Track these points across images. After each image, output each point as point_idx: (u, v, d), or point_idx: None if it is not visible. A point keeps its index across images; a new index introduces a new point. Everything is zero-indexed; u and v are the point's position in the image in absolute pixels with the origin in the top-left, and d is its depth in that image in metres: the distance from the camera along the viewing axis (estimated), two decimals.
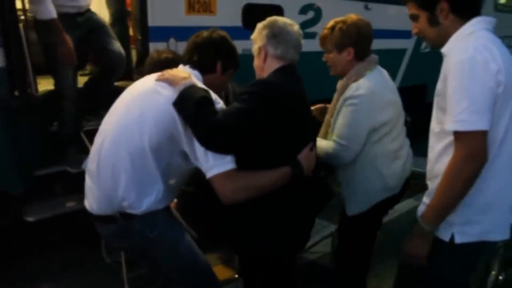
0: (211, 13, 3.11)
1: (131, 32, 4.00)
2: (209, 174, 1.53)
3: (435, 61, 5.90)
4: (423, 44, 5.16)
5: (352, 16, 1.96)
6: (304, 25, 3.66)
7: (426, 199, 1.55)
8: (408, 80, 5.14)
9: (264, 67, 1.76)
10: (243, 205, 1.57)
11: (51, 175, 2.84)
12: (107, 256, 2.62)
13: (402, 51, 5.01)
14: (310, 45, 3.70)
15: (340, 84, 2.01)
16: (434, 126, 1.54)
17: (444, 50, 1.48)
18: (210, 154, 1.52)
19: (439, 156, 1.49)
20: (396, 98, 2.04)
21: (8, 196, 2.70)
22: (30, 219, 2.64)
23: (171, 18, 2.92)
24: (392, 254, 2.97)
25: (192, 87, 1.56)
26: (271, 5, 3.40)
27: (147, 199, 1.58)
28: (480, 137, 1.35)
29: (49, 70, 2.85)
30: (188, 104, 1.50)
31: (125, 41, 3.93)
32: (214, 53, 1.74)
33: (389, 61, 4.85)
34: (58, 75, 2.78)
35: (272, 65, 1.74)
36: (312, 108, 2.14)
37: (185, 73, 1.65)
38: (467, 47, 1.36)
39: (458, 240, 1.47)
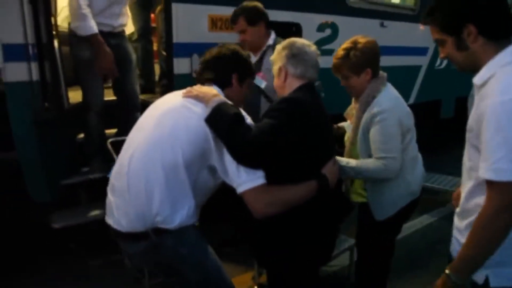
0: (233, 30, 3.21)
1: (154, 47, 4.15)
2: (241, 189, 1.58)
3: (449, 77, 5.97)
4: (438, 61, 5.22)
5: (358, 38, 2.04)
6: (321, 42, 3.75)
7: (457, 236, 1.48)
8: (423, 96, 5.19)
9: (285, 86, 1.85)
10: (269, 218, 1.62)
11: (76, 185, 2.94)
12: (129, 262, 2.68)
13: (417, 68, 5.07)
14: (327, 62, 3.80)
15: (359, 101, 2.07)
16: (465, 161, 1.45)
17: (477, 80, 1.35)
18: (242, 169, 1.57)
19: (470, 195, 1.41)
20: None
21: (33, 203, 2.80)
22: (56, 226, 2.72)
23: (195, 35, 3.03)
24: (408, 269, 3.02)
25: (224, 103, 1.62)
26: (290, 23, 3.50)
27: (180, 214, 1.60)
28: None
29: (78, 83, 2.96)
30: (222, 120, 1.56)
31: (149, 56, 4.08)
32: (227, 67, 1.80)
33: (404, 77, 4.94)
34: (86, 87, 2.88)
35: (293, 84, 1.84)
36: None
37: (214, 90, 1.72)
38: (505, 87, 1.23)
39: (493, 283, 1.36)
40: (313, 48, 1.89)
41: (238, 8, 2.70)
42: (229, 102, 1.69)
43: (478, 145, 1.31)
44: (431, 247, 3.39)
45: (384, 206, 2.09)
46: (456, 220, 1.52)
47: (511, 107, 1.20)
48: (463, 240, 1.42)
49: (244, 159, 1.57)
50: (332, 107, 2.79)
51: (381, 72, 2.10)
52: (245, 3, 2.72)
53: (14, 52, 2.44)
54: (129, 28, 3.98)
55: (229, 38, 3.12)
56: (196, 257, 1.68)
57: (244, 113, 1.68)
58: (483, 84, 1.31)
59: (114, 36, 2.90)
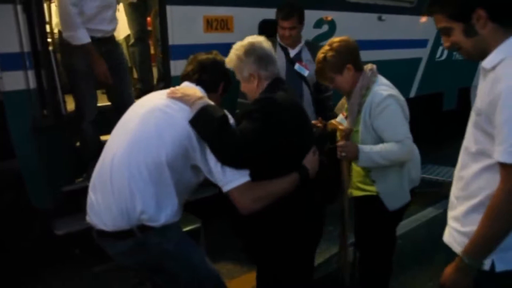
0: (228, 30, 3.21)
1: (152, 51, 4.15)
2: (227, 187, 1.64)
3: (450, 69, 5.92)
4: (438, 53, 5.18)
5: (334, 40, 2.13)
6: (319, 38, 3.73)
7: (455, 224, 1.47)
8: (424, 89, 5.15)
9: (258, 89, 1.87)
10: (257, 212, 1.67)
11: (78, 191, 2.94)
12: (134, 277, 2.69)
13: (417, 60, 5.04)
14: None
15: (352, 95, 2.10)
16: (469, 145, 1.42)
17: (487, 64, 1.33)
18: (227, 169, 1.63)
19: (476, 177, 1.39)
20: None
21: (35, 211, 2.81)
22: (59, 232, 2.73)
23: (190, 37, 3.03)
24: (413, 262, 3.00)
25: (209, 106, 1.65)
26: None
27: (164, 211, 1.63)
28: None
29: (71, 91, 2.95)
30: (207, 124, 1.61)
31: (147, 59, 4.08)
32: (220, 74, 1.87)
33: (405, 70, 4.90)
34: (80, 96, 2.87)
35: (264, 84, 1.87)
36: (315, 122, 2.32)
37: (198, 92, 1.74)
38: None
39: (499, 268, 1.36)
40: (267, 42, 1.90)
41: (290, 6, 2.91)
42: (213, 103, 1.71)
43: (488, 129, 1.30)
44: (436, 240, 3.33)
45: (399, 195, 2.13)
46: (451, 209, 1.52)
47: None
48: (462, 228, 1.43)
49: (231, 161, 1.63)
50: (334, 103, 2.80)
51: (370, 64, 2.14)
52: (292, 1, 2.95)
53: (10, 61, 2.45)
54: (124, 31, 3.99)
55: (225, 39, 3.12)
56: (181, 253, 1.71)
57: (228, 114, 1.71)
58: (493, 68, 1.29)
59: (106, 42, 2.89)
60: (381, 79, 2.12)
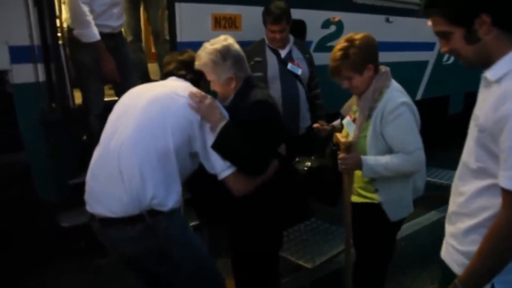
0: (236, 29, 3.22)
1: (153, 50, 4.15)
2: (224, 174, 1.80)
3: (457, 72, 5.89)
4: (446, 56, 5.16)
5: (353, 35, 1.96)
6: (326, 39, 3.74)
7: (453, 242, 1.40)
8: (431, 92, 5.14)
9: (234, 90, 1.96)
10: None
11: (83, 184, 2.96)
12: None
13: (424, 63, 5.03)
14: None
15: (363, 98, 2.00)
16: (470, 160, 1.32)
17: (492, 76, 1.22)
18: (218, 158, 1.79)
19: (477, 196, 1.31)
20: None
21: (42, 203, 2.84)
22: (65, 225, 2.76)
23: (198, 34, 3.04)
24: (415, 266, 3.00)
25: (229, 125, 1.80)
26: (293, 20, 3.49)
27: (171, 196, 1.70)
28: None
29: (79, 85, 2.99)
30: (232, 143, 1.79)
31: (144, 56, 4.12)
32: (199, 71, 1.95)
33: (411, 73, 4.89)
34: (87, 91, 2.89)
35: (239, 84, 1.96)
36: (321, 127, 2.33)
37: (219, 109, 1.83)
38: None
39: None
40: (235, 42, 1.98)
41: (279, 9, 2.91)
42: (228, 119, 1.84)
43: (492, 148, 1.22)
44: (439, 243, 3.33)
45: (402, 206, 2.05)
46: (450, 224, 1.45)
47: None
48: (461, 247, 1.37)
49: (255, 171, 1.87)
50: (337, 105, 2.79)
51: (384, 67, 2.03)
52: (278, 4, 2.94)
53: (20, 54, 2.48)
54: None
55: (233, 37, 3.13)
56: (185, 237, 1.78)
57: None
58: (498, 81, 1.20)
59: (113, 38, 2.91)
60: (394, 84, 2.01)
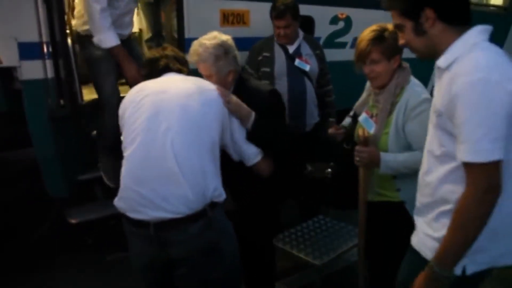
0: (245, 25, 3.21)
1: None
2: (256, 160, 1.99)
3: None
4: None
5: (383, 24, 1.91)
6: (334, 35, 3.72)
7: (427, 230, 1.42)
8: None
9: (232, 82, 2.07)
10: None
11: (93, 180, 2.98)
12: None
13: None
14: (341, 55, 3.77)
15: (385, 92, 1.94)
16: (433, 148, 1.38)
17: (442, 63, 1.30)
18: (251, 145, 1.97)
19: (444, 181, 1.35)
20: None
21: (50, 199, 2.86)
22: (73, 221, 2.77)
23: (206, 30, 3.02)
24: None
25: (256, 118, 1.96)
26: (302, 16, 3.47)
27: (222, 187, 1.75)
28: (498, 167, 1.21)
29: (92, 82, 2.97)
30: (266, 132, 2.00)
31: None
32: (187, 64, 2.02)
33: (420, 69, 4.83)
34: (100, 86, 2.84)
35: (236, 77, 2.09)
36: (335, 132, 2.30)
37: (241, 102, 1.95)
38: (478, 64, 1.20)
39: (470, 270, 1.33)
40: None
41: (282, 5, 2.89)
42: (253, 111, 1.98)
43: (451, 130, 1.27)
44: None
45: None
46: (420, 215, 1.46)
47: (485, 85, 1.17)
48: (434, 233, 1.38)
49: (280, 153, 2.10)
50: (345, 102, 2.78)
51: (404, 63, 1.97)
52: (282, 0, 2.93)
53: (29, 50, 2.47)
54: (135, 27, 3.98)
55: (241, 33, 3.13)
56: (230, 228, 1.81)
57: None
58: (448, 67, 1.28)
59: (124, 43, 2.82)
60: (414, 80, 1.96)
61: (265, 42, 3.08)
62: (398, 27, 1.38)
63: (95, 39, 2.62)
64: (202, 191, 1.64)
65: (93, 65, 2.80)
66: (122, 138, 1.79)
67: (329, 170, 2.22)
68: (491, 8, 5.56)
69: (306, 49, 3.09)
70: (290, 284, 2.88)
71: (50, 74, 2.58)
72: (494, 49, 1.27)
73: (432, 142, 1.38)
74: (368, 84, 2.15)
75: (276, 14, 2.92)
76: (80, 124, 2.90)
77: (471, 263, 1.32)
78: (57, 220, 3.01)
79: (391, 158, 1.87)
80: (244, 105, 1.94)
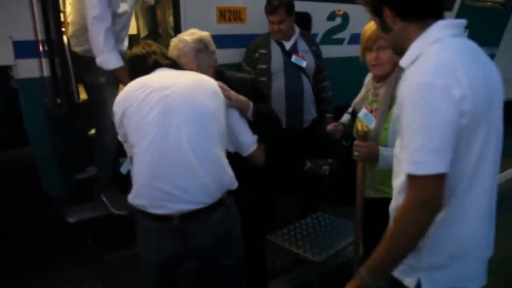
0: (241, 21, 3.20)
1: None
2: (252, 148, 2.04)
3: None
4: None
5: None
6: (332, 32, 3.71)
7: None
8: None
9: (212, 76, 2.05)
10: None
11: (90, 179, 2.97)
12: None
13: None
14: (338, 51, 3.76)
15: (387, 84, 1.92)
16: (397, 151, 1.30)
17: (403, 63, 1.24)
18: (247, 134, 2.03)
19: (402, 189, 1.26)
20: None
21: (48, 199, 2.85)
22: (71, 220, 2.77)
23: (203, 27, 3.00)
24: None
25: (254, 106, 2.05)
26: (299, 12, 3.46)
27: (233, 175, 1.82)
28: (436, 181, 1.11)
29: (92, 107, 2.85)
30: (266, 119, 2.13)
31: None
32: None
33: None
34: (104, 113, 2.65)
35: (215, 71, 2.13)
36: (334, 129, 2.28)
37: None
38: (425, 67, 1.12)
39: (427, 287, 1.25)
40: None
41: (276, 0, 2.90)
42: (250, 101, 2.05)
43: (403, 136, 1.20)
44: None
45: None
46: (391, 219, 1.41)
47: (427, 90, 1.08)
48: None
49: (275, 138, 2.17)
50: (343, 98, 2.77)
51: None
52: None
53: (25, 49, 2.47)
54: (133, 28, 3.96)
55: (238, 30, 3.12)
56: (238, 214, 1.87)
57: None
58: (408, 68, 1.21)
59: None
60: None
61: (261, 39, 3.07)
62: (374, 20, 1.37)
63: (98, 60, 2.52)
64: (220, 180, 1.72)
65: (96, 92, 2.72)
66: (124, 136, 1.77)
67: (327, 167, 2.20)
68: (489, 3, 5.54)
69: (302, 45, 3.08)
70: (289, 281, 2.88)
71: (46, 72, 2.57)
72: (454, 47, 1.17)
73: (397, 146, 1.31)
74: (367, 80, 2.14)
75: (270, 9, 2.93)
76: (77, 123, 2.89)
77: (426, 279, 1.25)
78: (56, 220, 3.01)
79: (390, 153, 1.83)
80: (241, 96, 1.98)
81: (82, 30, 2.57)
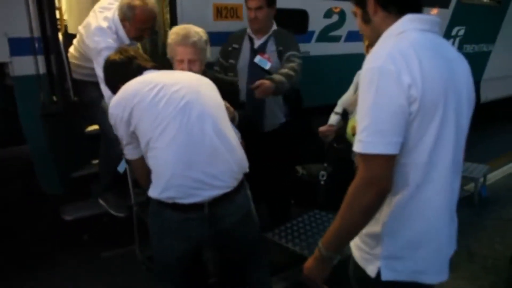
0: (238, 19, 3.19)
1: None
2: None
3: (483, 59, 5.80)
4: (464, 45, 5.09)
5: None
6: (329, 29, 3.70)
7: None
8: None
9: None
10: None
11: (87, 177, 2.97)
12: (140, 253, 2.72)
13: None
14: (335, 48, 3.76)
15: None
16: None
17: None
18: (236, 131, 1.98)
19: None
20: None
21: (45, 197, 2.84)
22: (68, 218, 2.77)
23: (200, 25, 3.00)
24: None
25: (236, 114, 2.14)
26: (296, 10, 3.46)
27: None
28: (382, 161, 1.14)
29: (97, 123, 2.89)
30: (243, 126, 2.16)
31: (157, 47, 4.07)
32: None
33: None
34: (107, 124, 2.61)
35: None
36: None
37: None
38: (381, 53, 1.16)
39: (385, 277, 1.26)
40: None
41: None
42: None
43: None
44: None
45: None
46: None
47: (378, 74, 1.12)
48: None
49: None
50: (337, 96, 2.76)
51: None
52: None
53: (20, 46, 2.45)
54: None
55: (235, 27, 3.10)
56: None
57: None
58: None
59: None
60: None
61: (238, 33, 2.93)
62: (354, 14, 1.40)
63: (106, 98, 2.44)
64: (241, 162, 1.84)
65: (94, 106, 2.71)
66: (128, 136, 1.79)
67: (324, 172, 2.17)
68: (485, 1, 5.56)
69: (272, 46, 2.85)
70: (285, 279, 2.89)
71: (42, 70, 2.55)
72: (413, 39, 1.20)
73: None
74: (356, 78, 2.13)
75: None
76: (73, 121, 2.87)
77: (386, 268, 1.26)
78: (52, 217, 3.00)
79: None
80: (230, 108, 2.04)
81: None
